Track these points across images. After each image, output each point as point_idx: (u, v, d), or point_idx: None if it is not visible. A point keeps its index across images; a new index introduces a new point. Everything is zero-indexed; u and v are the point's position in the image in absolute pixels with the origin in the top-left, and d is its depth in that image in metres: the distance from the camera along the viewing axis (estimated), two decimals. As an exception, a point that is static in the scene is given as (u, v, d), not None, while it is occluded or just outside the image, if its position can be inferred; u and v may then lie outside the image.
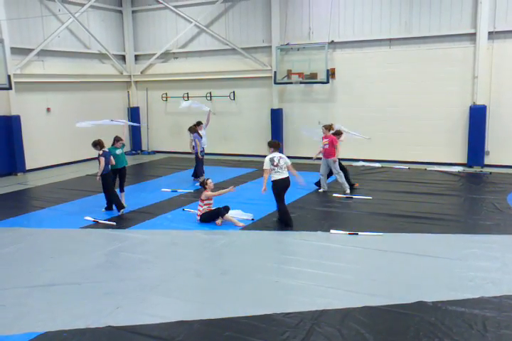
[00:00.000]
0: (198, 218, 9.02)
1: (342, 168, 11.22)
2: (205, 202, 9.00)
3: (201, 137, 12.46)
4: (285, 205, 8.82)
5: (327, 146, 10.95)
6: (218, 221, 8.87)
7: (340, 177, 10.95)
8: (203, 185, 9.18)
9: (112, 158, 9.83)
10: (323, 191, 11.15)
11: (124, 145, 10.53)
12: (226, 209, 8.94)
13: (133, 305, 5.67)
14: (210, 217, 8.94)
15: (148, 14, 18.13)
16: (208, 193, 8.98)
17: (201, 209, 9.00)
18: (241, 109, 16.90)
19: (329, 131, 11.07)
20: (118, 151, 10.23)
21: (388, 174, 13.33)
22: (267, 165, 8.63)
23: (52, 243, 8.25)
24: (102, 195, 9.92)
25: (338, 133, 11.35)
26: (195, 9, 17.09)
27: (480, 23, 13.29)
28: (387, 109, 14.80)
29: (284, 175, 8.64)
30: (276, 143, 9.07)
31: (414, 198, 10.52)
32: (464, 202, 10.28)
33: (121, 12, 18.21)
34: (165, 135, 18.32)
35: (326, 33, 15.10)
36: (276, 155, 8.75)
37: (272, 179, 8.60)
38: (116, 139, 10.29)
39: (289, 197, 10.40)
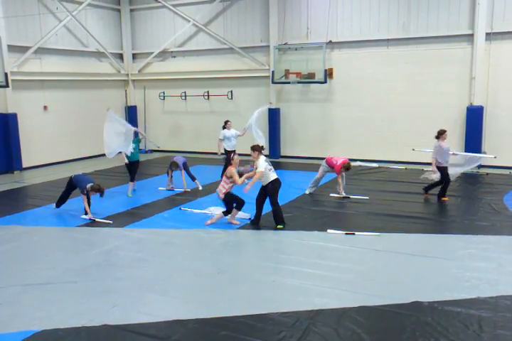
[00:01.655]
0: (222, 196, 8.73)
1: (445, 178, 10.22)
2: (230, 179, 8.69)
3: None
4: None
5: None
6: (232, 220, 8.83)
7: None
8: (230, 160, 9.06)
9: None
10: (309, 193, 11.06)
11: (139, 140, 11.42)
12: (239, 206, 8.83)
13: (129, 304, 5.66)
14: (233, 200, 8.73)
15: (146, 13, 18.10)
16: (232, 170, 8.65)
17: (226, 186, 8.70)
18: (238, 108, 16.87)
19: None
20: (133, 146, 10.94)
21: (385, 174, 13.35)
22: (262, 167, 8.52)
23: (48, 241, 8.23)
24: (99, 193, 9.88)
25: (441, 132, 10.25)
26: (193, 8, 17.07)
27: (477, 24, 13.32)
28: (384, 109, 14.82)
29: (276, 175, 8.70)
30: (261, 147, 8.92)
31: (411, 198, 10.53)
32: (460, 203, 10.29)
33: (119, 10, 18.17)
34: (162, 134, 18.28)
35: (323, 33, 15.10)
36: (264, 157, 8.72)
37: (272, 179, 8.57)
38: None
39: (287, 197, 10.44)
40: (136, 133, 11.30)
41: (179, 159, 11.66)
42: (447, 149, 10.17)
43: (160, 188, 11.75)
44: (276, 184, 8.62)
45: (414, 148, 12.50)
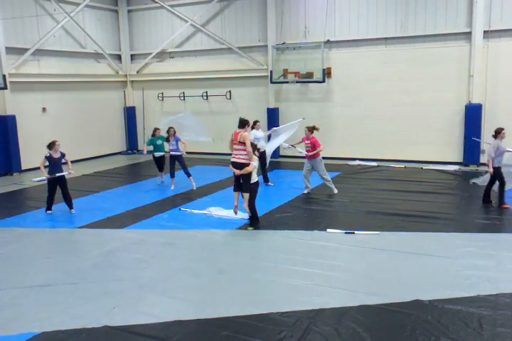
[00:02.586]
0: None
1: (501, 179, 9.41)
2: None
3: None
4: None
5: (309, 148, 10.75)
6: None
7: (327, 179, 10.90)
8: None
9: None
10: (308, 192, 11.04)
11: (163, 137, 12.25)
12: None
13: (130, 305, 5.66)
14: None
15: (144, 13, 18.10)
16: (244, 134, 8.45)
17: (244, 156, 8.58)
18: (237, 108, 16.88)
19: (312, 132, 10.74)
20: (158, 142, 12.20)
21: (384, 173, 13.35)
22: (254, 162, 8.46)
23: (48, 243, 8.24)
24: (98, 195, 9.88)
25: (498, 131, 9.34)
26: (191, 8, 17.07)
27: (475, 22, 13.32)
28: (383, 108, 14.81)
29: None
30: (257, 148, 8.74)
31: (411, 197, 10.54)
32: (459, 201, 10.29)
33: (116, 11, 18.17)
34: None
35: (321, 32, 15.10)
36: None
37: (251, 181, 8.51)
38: (155, 129, 12.27)
39: (286, 197, 10.45)
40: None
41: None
42: (504, 150, 9.29)
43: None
44: (255, 187, 8.60)
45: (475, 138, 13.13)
